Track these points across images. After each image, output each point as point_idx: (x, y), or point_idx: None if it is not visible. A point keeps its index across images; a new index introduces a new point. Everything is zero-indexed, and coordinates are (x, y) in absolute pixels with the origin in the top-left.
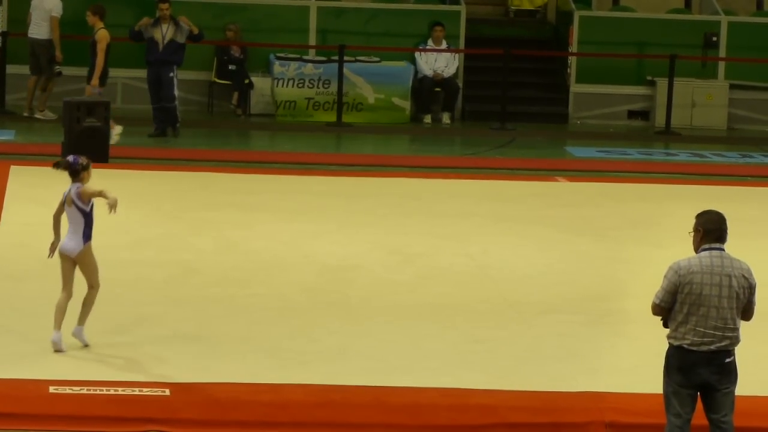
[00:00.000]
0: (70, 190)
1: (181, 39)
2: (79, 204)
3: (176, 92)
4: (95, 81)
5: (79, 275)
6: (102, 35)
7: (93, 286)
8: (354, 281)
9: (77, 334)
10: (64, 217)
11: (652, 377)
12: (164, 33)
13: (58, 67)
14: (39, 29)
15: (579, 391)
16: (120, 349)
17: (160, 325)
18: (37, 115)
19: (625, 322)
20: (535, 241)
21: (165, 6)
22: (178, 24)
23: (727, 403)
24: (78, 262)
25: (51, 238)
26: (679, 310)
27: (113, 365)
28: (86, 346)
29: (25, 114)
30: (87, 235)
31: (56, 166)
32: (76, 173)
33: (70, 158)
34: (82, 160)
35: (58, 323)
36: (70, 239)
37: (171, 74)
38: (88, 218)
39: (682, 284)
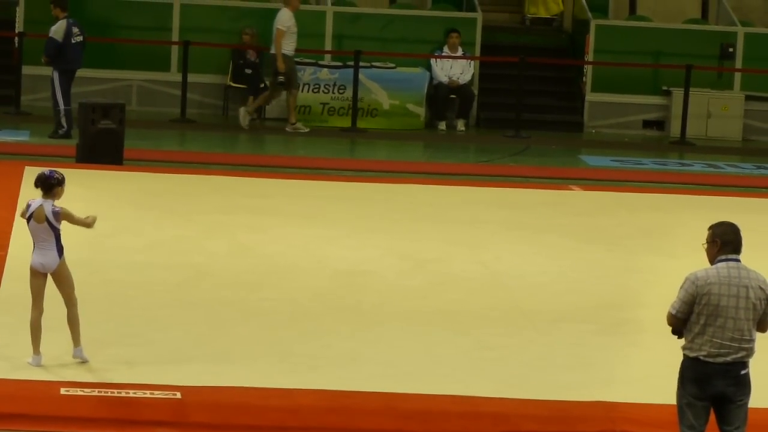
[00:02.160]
0: (41, 205)
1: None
2: (53, 222)
3: (57, 95)
4: None
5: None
6: None
7: (72, 302)
8: (366, 287)
9: (78, 354)
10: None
11: (664, 387)
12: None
13: (281, 77)
14: (271, 42)
15: (591, 400)
16: (131, 351)
17: (171, 328)
18: (288, 129)
19: (637, 332)
20: (548, 249)
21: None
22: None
23: (740, 416)
24: (55, 278)
25: (63, 239)
26: (695, 321)
27: (124, 368)
28: (86, 362)
29: (288, 129)
30: (60, 250)
31: (36, 184)
32: (50, 188)
33: (46, 171)
34: (58, 174)
35: (36, 345)
36: (42, 255)
37: (51, 75)
38: (58, 233)
39: (700, 295)
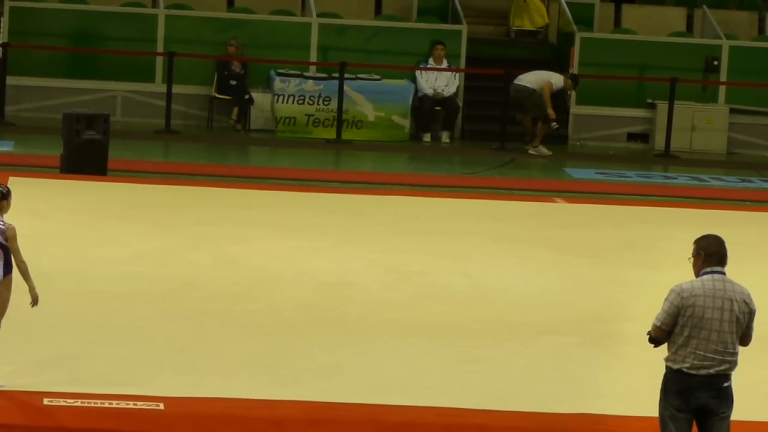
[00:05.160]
0: None
1: None
2: (2, 240)
3: None
4: None
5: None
6: None
7: None
8: (351, 298)
9: None
10: None
11: (648, 400)
12: None
13: (555, 124)
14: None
15: (575, 412)
16: (115, 362)
17: (155, 339)
18: (531, 152)
19: (622, 345)
20: (533, 262)
21: None
22: None
23: (723, 428)
24: None
25: (48, 250)
26: (679, 333)
27: (108, 378)
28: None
29: (531, 151)
30: (7, 268)
31: None
32: None
33: None
34: (3, 187)
35: None
36: None
37: None
38: (7, 251)
39: (685, 307)
